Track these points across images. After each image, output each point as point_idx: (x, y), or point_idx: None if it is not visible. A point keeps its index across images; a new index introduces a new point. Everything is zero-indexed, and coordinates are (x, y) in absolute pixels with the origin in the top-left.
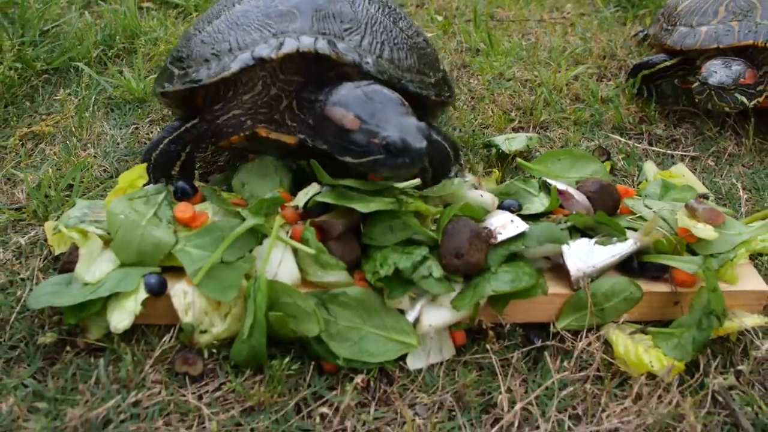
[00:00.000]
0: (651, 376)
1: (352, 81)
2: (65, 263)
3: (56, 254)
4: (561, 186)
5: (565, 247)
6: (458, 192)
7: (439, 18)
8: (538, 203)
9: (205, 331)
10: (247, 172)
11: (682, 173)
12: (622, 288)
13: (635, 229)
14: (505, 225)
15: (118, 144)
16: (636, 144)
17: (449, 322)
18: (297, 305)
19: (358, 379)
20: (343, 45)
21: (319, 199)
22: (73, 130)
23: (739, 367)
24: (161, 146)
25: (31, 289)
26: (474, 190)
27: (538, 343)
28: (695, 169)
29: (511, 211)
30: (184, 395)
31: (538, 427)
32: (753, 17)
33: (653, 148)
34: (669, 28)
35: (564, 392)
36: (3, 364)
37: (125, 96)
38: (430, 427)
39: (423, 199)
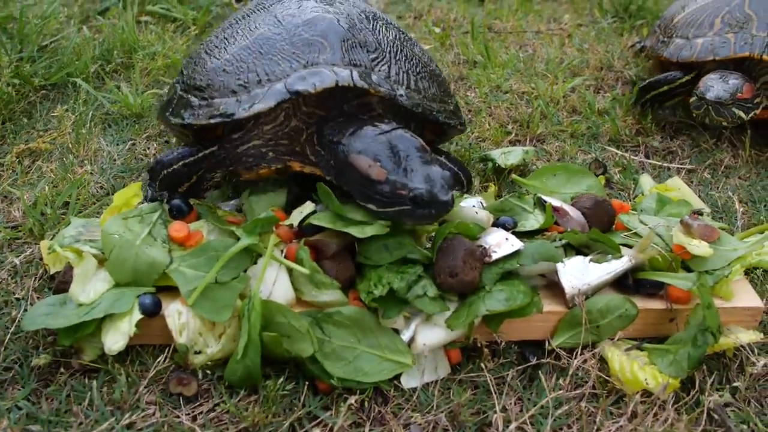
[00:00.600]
0: (647, 393)
1: (374, 110)
2: (60, 283)
3: (52, 273)
4: (556, 202)
5: (559, 265)
6: (453, 209)
7: (437, 30)
8: (533, 220)
9: (199, 352)
10: (253, 193)
11: (677, 186)
12: (617, 305)
13: (630, 246)
14: (500, 243)
15: (115, 160)
16: (632, 156)
17: (444, 341)
18: (291, 325)
19: (353, 399)
20: (375, 77)
21: (314, 221)
22: (70, 146)
23: (735, 384)
24: (174, 167)
25: (25, 310)
26: (469, 207)
27: (534, 361)
28: (691, 182)
29: (506, 229)
30: (178, 416)
31: None
32: (749, 29)
33: (649, 160)
34: (665, 40)
35: (559, 411)
36: None
37: (123, 111)
38: None
39: None
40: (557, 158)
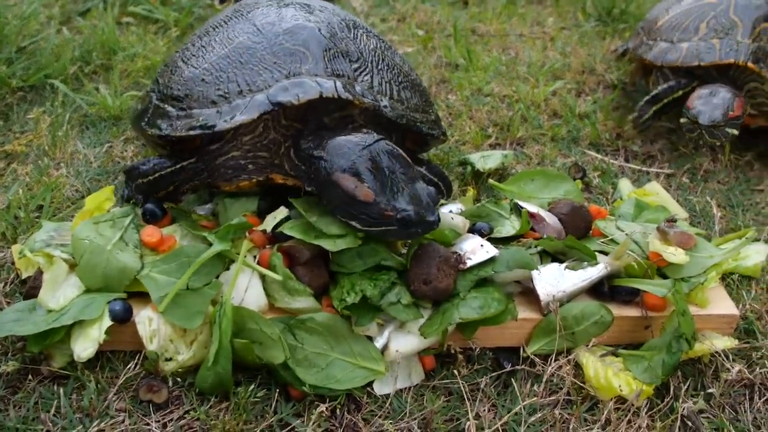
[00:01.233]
0: (621, 399)
1: (355, 122)
2: (30, 288)
3: (23, 278)
4: (532, 208)
5: (534, 272)
6: None
7: (420, 33)
8: (509, 226)
9: (170, 359)
10: (226, 197)
11: (655, 191)
12: (592, 312)
13: (606, 252)
14: (474, 250)
15: (91, 163)
16: (612, 161)
17: (418, 348)
18: (263, 332)
19: (323, 406)
20: (359, 88)
21: (286, 231)
22: (46, 149)
23: (710, 390)
24: (150, 177)
25: None
26: (445, 212)
27: (509, 367)
28: (670, 186)
29: (482, 235)
30: (148, 424)
31: None
32: (734, 35)
33: (629, 164)
34: (649, 42)
35: (533, 417)
36: None
37: (100, 113)
38: None
39: None
40: (537, 162)
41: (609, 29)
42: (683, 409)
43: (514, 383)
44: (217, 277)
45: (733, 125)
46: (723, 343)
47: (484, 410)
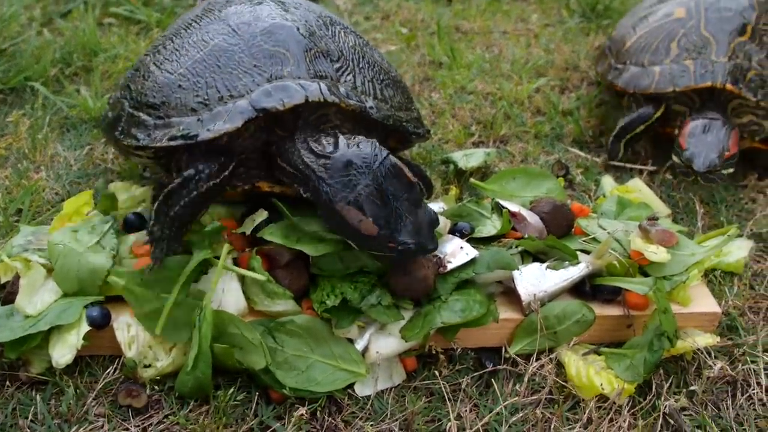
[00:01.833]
0: (603, 398)
1: (330, 121)
2: (8, 294)
3: (1, 283)
4: (513, 208)
5: (516, 272)
6: None
7: (404, 31)
8: (491, 226)
9: (149, 366)
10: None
11: (638, 188)
12: (574, 311)
13: (588, 251)
14: (454, 253)
15: (72, 166)
16: (595, 158)
17: (399, 350)
18: (244, 336)
19: (303, 409)
20: (343, 89)
21: (266, 236)
22: (26, 152)
23: (693, 387)
24: (194, 194)
25: None
26: None
27: (490, 367)
28: (653, 183)
29: (464, 235)
30: (127, 429)
31: None
32: (708, 54)
33: (612, 162)
34: (619, 66)
35: (515, 417)
36: None
37: (81, 116)
38: None
39: None
40: (520, 160)
41: (593, 25)
42: (665, 406)
43: (495, 383)
44: (196, 281)
45: (729, 165)
46: (705, 340)
47: (466, 410)
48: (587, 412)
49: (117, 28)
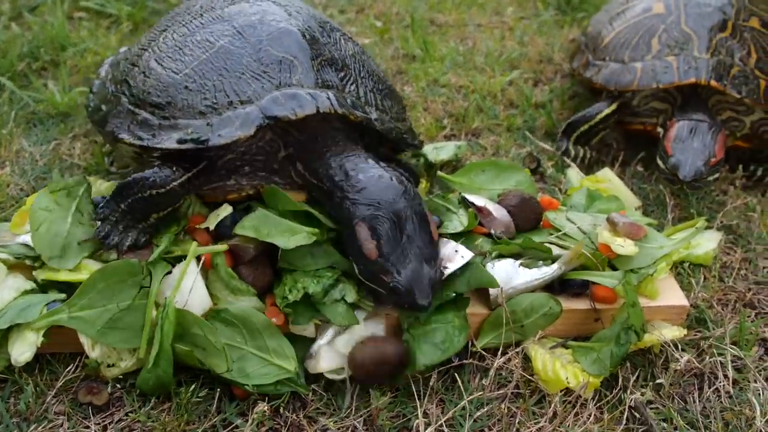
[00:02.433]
0: (570, 391)
1: (332, 123)
2: None
3: None
4: (479, 202)
5: (489, 265)
6: None
7: (378, 24)
8: (457, 221)
9: (113, 365)
10: None
11: (608, 178)
12: (541, 303)
13: (556, 245)
14: (450, 257)
15: (37, 161)
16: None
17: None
18: (207, 339)
19: (265, 405)
20: (350, 100)
21: (239, 231)
22: None
23: (659, 380)
24: (157, 191)
25: None
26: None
27: (457, 362)
28: (624, 175)
29: None
30: (88, 426)
31: None
32: (690, 50)
33: (588, 155)
34: (597, 63)
35: (480, 412)
36: None
37: (48, 110)
38: None
39: None
40: (492, 153)
41: (568, 18)
42: (631, 400)
43: (462, 378)
44: (143, 280)
45: (715, 171)
46: (672, 333)
47: (432, 406)
48: (553, 406)
49: (87, 22)
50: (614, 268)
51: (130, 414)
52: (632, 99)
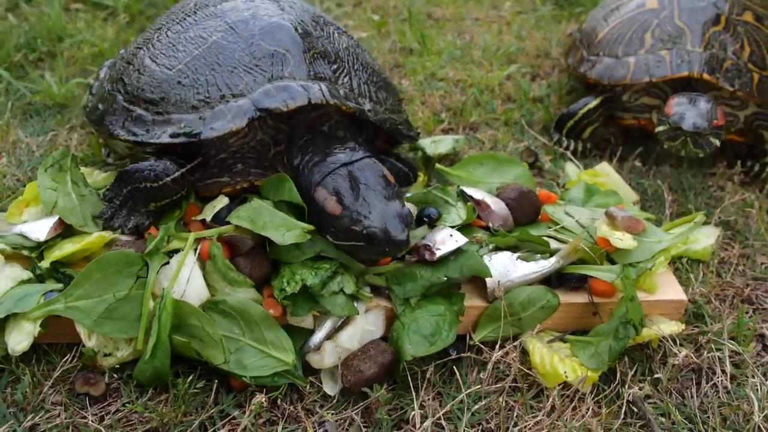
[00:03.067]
0: (568, 385)
1: (331, 119)
2: None
3: None
4: (477, 195)
5: (486, 258)
6: None
7: (375, 17)
8: (455, 214)
9: (109, 354)
10: None
11: (606, 172)
12: (539, 296)
13: (555, 238)
14: (444, 240)
15: (34, 152)
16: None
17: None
18: (204, 330)
19: (262, 397)
20: (342, 91)
21: (233, 221)
22: None
23: (657, 375)
24: (154, 184)
25: None
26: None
27: (454, 355)
28: (622, 170)
29: (431, 220)
30: (84, 417)
31: None
32: (683, 44)
33: (581, 147)
34: (591, 58)
35: (477, 405)
36: None
37: (45, 101)
38: None
39: None
40: (490, 147)
41: (565, 13)
42: (629, 394)
43: (459, 371)
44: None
45: (717, 135)
46: (670, 327)
47: (429, 399)
48: (551, 400)
49: (84, 13)
50: (612, 262)
51: (127, 405)
52: (622, 94)
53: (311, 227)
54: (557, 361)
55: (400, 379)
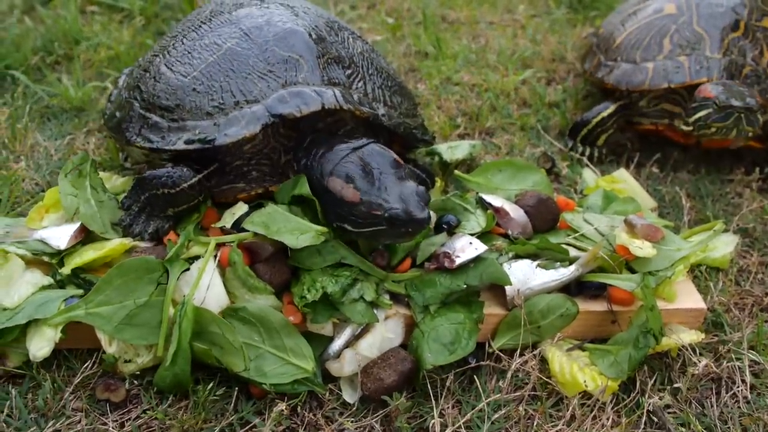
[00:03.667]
0: (587, 394)
1: (347, 125)
2: None
3: None
4: (496, 202)
5: (505, 266)
6: None
7: (390, 20)
8: (474, 222)
9: (129, 361)
10: None
11: (624, 179)
12: (558, 305)
13: (574, 246)
14: (463, 248)
15: (52, 156)
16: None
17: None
18: (224, 338)
19: (282, 405)
20: (356, 96)
21: (248, 227)
22: (6, 141)
23: (677, 385)
24: (171, 190)
25: None
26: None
27: (473, 363)
28: (639, 176)
29: (450, 227)
30: (105, 423)
31: None
32: (702, 50)
33: (597, 153)
34: (609, 63)
35: (497, 414)
36: None
37: (62, 105)
38: None
39: None
40: (506, 152)
41: (580, 16)
42: (649, 404)
43: (478, 379)
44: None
45: (763, 112)
46: (690, 336)
47: (448, 407)
48: (570, 409)
49: (100, 16)
50: (632, 270)
51: (147, 411)
52: (639, 100)
53: (326, 230)
54: (577, 369)
55: (420, 387)
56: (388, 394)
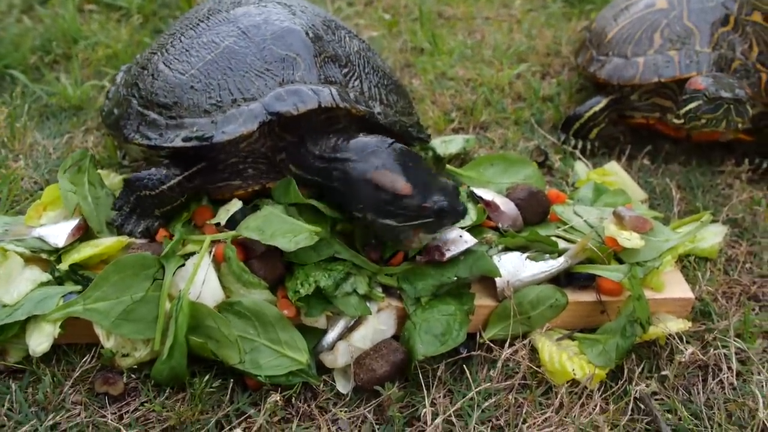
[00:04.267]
0: (576, 382)
1: (339, 123)
2: None
3: None
4: (487, 196)
5: (495, 258)
6: None
7: (387, 16)
8: (466, 216)
9: (127, 355)
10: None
11: (614, 171)
12: (547, 295)
13: (563, 238)
14: (454, 241)
15: (51, 154)
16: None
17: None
18: (220, 331)
19: (277, 395)
20: (352, 95)
21: (243, 232)
22: (5, 140)
23: (664, 372)
24: (156, 191)
25: None
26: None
27: (465, 353)
28: (630, 168)
29: None
30: (104, 416)
31: None
32: (691, 45)
33: (590, 146)
34: (601, 58)
35: (487, 402)
36: None
37: (61, 103)
38: None
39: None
40: (500, 146)
41: (575, 11)
42: (636, 391)
43: (469, 369)
44: (156, 272)
45: (752, 104)
46: (677, 325)
47: (440, 396)
48: (559, 397)
49: (98, 14)
50: (620, 261)
51: (145, 404)
52: (631, 94)
53: (319, 229)
54: (565, 358)
55: (412, 378)
56: (381, 384)
